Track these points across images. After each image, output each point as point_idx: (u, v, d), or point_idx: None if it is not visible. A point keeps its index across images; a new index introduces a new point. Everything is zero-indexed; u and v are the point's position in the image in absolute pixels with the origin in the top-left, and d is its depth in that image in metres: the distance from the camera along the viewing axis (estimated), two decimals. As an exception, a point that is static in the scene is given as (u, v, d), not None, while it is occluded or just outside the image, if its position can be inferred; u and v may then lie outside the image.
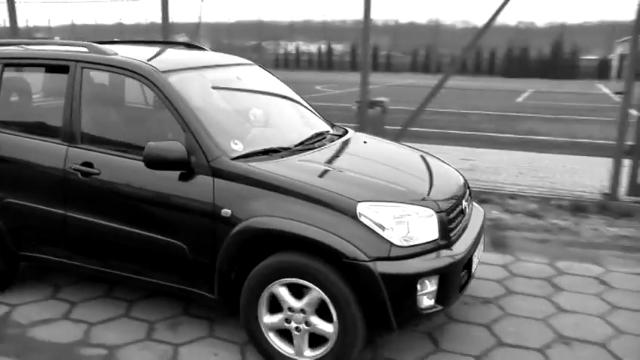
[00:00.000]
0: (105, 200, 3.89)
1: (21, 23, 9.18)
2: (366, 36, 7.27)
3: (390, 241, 3.22)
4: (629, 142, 6.56)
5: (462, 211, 3.84)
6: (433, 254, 3.35)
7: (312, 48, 36.76)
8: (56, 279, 4.72)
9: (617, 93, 7.63)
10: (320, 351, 3.36)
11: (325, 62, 35.50)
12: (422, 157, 4.48)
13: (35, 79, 4.59)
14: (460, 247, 3.54)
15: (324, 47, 36.20)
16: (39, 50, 4.38)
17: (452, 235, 3.55)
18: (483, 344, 3.84)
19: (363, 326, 3.27)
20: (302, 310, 3.36)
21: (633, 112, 6.60)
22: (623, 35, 28.39)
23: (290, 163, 3.65)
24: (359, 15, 7.18)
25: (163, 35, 8.27)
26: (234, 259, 3.48)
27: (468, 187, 4.21)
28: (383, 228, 3.23)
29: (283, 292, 3.39)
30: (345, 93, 12.47)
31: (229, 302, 3.62)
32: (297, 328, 3.40)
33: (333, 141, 4.22)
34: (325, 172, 3.63)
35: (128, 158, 3.79)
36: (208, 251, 3.53)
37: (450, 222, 3.56)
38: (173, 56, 4.54)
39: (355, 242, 3.18)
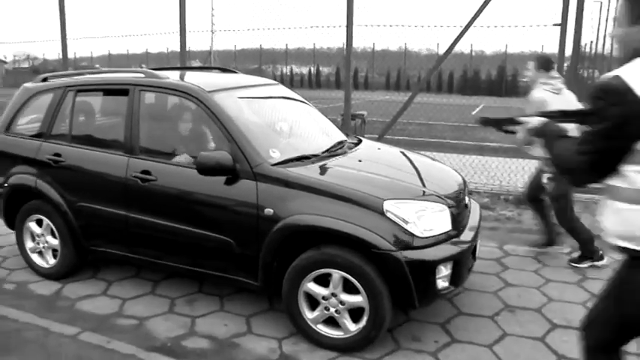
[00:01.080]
0: (160, 202, 3.74)
1: (69, 55, 9.15)
2: (348, 61, 7.29)
3: (412, 233, 3.10)
4: None
5: (466, 205, 3.73)
6: (447, 243, 3.25)
7: (304, 70, 36.96)
8: (96, 263, 4.64)
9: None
10: (362, 322, 3.20)
11: (314, 82, 35.91)
12: (427, 160, 4.36)
13: (99, 101, 4.46)
14: (467, 236, 3.45)
15: (313, 69, 36.39)
16: (103, 77, 4.31)
17: (460, 226, 3.46)
18: (447, 314, 3.82)
19: (389, 299, 3.14)
20: (333, 295, 3.22)
21: None
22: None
23: (321, 167, 3.52)
24: (342, 43, 7.24)
25: (181, 61, 8.20)
26: (276, 252, 3.33)
27: (466, 185, 4.09)
28: (406, 222, 3.10)
29: (313, 287, 3.27)
30: (331, 107, 12.38)
31: (271, 288, 3.47)
32: (336, 311, 3.25)
33: (352, 148, 4.08)
34: (352, 174, 3.48)
35: (180, 166, 3.66)
36: (253, 245, 3.38)
37: (458, 215, 3.46)
38: (214, 78, 4.37)
39: (383, 235, 3.06)
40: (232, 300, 4.03)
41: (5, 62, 40.20)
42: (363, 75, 36.15)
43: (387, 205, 3.12)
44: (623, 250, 1.93)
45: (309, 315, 3.33)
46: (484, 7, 6.55)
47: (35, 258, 4.49)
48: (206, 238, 3.54)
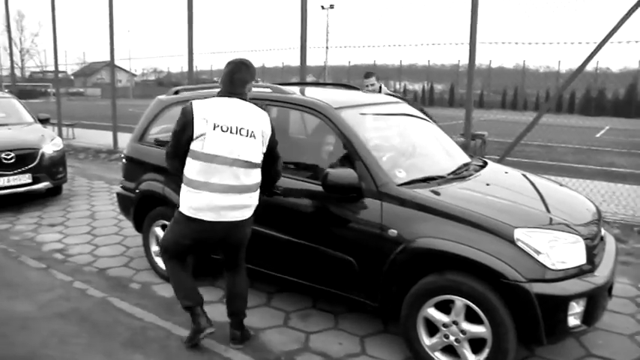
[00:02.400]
0: (281, 216, 3.81)
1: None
2: (470, 78, 7.20)
3: (544, 265, 2.92)
4: None
5: (602, 238, 3.46)
6: (581, 278, 3.02)
7: (417, 87, 36.67)
8: (214, 270, 4.69)
9: None
10: (483, 353, 3.05)
11: (427, 99, 35.53)
12: (557, 186, 4.12)
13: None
14: (604, 272, 3.19)
15: (426, 86, 35.98)
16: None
17: (595, 260, 3.21)
18: (574, 353, 3.56)
19: (514, 333, 2.96)
20: (454, 322, 3.10)
21: None
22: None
23: (448, 190, 3.43)
24: (457, 60, 7.14)
25: (300, 77, 8.40)
26: (398, 274, 3.27)
27: (600, 215, 3.80)
28: (538, 252, 2.93)
29: (434, 312, 3.17)
30: (445, 125, 12.11)
31: (389, 310, 3.41)
32: (456, 340, 3.13)
33: (477, 171, 3.95)
34: (480, 199, 3.36)
35: (303, 181, 3.72)
36: (373, 265, 3.33)
37: (593, 248, 3.22)
38: (339, 95, 4.41)
39: (513, 264, 2.91)
40: (346, 318, 4.01)
41: (135, 76, 43.69)
42: (477, 93, 35.26)
43: (518, 234, 2.97)
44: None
45: (427, 341, 3.23)
46: (623, 23, 6.14)
47: (159, 261, 4.70)
48: (326, 254, 3.55)
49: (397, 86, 34.21)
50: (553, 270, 2.93)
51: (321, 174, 3.48)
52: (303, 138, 4.11)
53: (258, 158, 3.27)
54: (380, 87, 6.51)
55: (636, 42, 6.91)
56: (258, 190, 3.38)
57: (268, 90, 4.03)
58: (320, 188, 3.44)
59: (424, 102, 35.17)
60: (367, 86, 6.40)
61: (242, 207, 3.29)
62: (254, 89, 4.25)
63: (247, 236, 3.49)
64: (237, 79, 3.30)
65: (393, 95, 6.28)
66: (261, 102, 3.96)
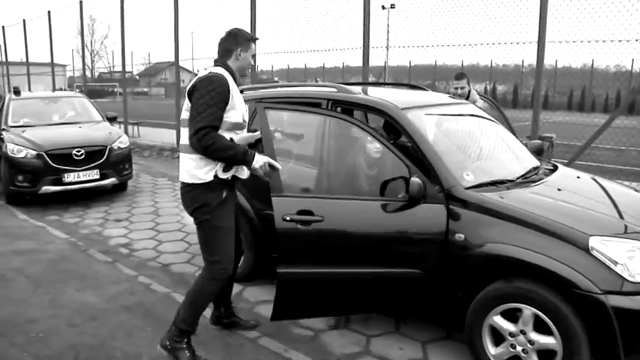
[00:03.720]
0: (334, 248, 3.38)
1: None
2: (539, 79, 7.00)
3: (622, 276, 2.76)
4: None
5: (685, 249, 3.24)
6: (662, 292, 2.82)
7: (479, 87, 35.87)
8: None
9: None
10: None
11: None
12: (632, 192, 3.91)
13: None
14: (689, 286, 2.96)
15: (489, 87, 35.12)
16: (295, 90, 4.45)
17: (678, 273, 2.99)
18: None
19: (587, 347, 2.81)
20: (522, 332, 2.98)
21: None
22: None
23: (518, 194, 3.30)
24: (519, 60, 6.98)
25: (363, 77, 8.35)
26: (464, 280, 3.18)
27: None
28: (615, 263, 2.77)
29: (500, 321, 3.05)
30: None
31: (455, 318, 3.32)
32: (523, 350, 3.00)
33: (547, 175, 3.80)
34: (552, 204, 3.23)
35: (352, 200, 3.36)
36: (441, 274, 3.23)
37: (675, 259, 3.00)
38: (405, 95, 4.33)
39: (587, 274, 2.76)
40: (408, 323, 3.93)
41: (196, 74, 44.72)
42: (542, 94, 34.12)
43: (593, 242, 2.82)
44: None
45: (492, 351, 3.12)
46: None
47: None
48: (392, 275, 3.29)
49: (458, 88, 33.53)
50: (632, 282, 2.75)
51: (376, 186, 3.29)
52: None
53: None
54: (469, 92, 5.92)
55: None
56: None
57: (334, 89, 4.00)
58: (375, 202, 3.24)
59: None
60: (456, 89, 5.90)
61: None
62: (318, 89, 4.24)
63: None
64: (222, 48, 3.33)
65: (485, 98, 6.07)
66: (327, 102, 3.94)
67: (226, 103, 3.13)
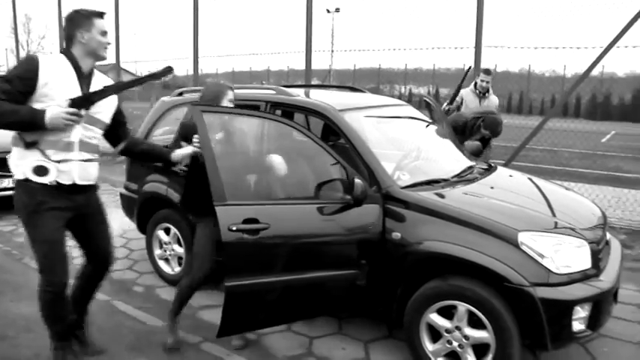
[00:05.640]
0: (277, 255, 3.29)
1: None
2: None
3: (548, 269, 2.90)
4: None
5: (607, 242, 3.44)
6: (586, 282, 2.99)
7: (422, 90, 36.51)
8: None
9: None
10: (487, 359, 3.02)
11: (433, 103, 35.61)
12: (562, 190, 4.09)
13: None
14: (610, 276, 3.17)
15: (432, 90, 35.91)
16: (235, 93, 4.33)
17: (601, 264, 3.19)
18: (580, 360, 3.50)
19: (518, 338, 2.93)
20: (457, 328, 3.08)
21: None
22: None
23: (452, 193, 3.40)
24: (461, 64, 7.27)
25: (306, 79, 8.37)
26: (401, 279, 3.25)
27: (606, 219, 3.77)
28: (542, 256, 2.91)
29: (437, 318, 3.14)
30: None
31: (394, 316, 3.37)
32: (459, 346, 3.10)
33: (482, 174, 3.92)
34: (484, 202, 3.34)
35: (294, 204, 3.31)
36: (379, 272, 3.28)
37: (598, 252, 3.20)
38: (344, 97, 4.39)
39: (517, 268, 2.88)
40: (350, 323, 3.97)
41: (140, 78, 43.63)
42: (483, 97, 35.24)
43: (523, 237, 2.94)
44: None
45: (430, 347, 3.21)
46: (630, 27, 6.13)
47: (162, 264, 4.73)
48: (332, 277, 3.27)
49: (402, 90, 34.13)
50: (558, 274, 2.90)
51: (314, 189, 3.24)
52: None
53: None
54: (488, 89, 6.58)
55: (634, 47, 6.88)
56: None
57: (272, 92, 4.01)
58: (318, 205, 3.19)
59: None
60: (482, 81, 6.51)
61: None
62: (257, 91, 4.23)
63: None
64: (65, 37, 2.99)
65: (428, 99, 6.15)
66: (265, 104, 3.95)
67: (27, 85, 2.77)
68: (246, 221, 2.99)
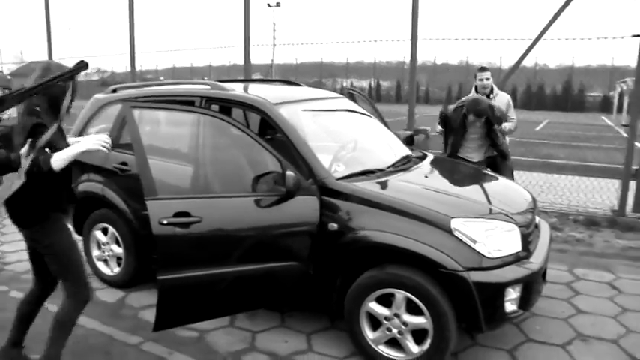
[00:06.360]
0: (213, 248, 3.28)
1: (136, 68, 9.55)
2: (413, 75, 7.30)
3: (481, 253, 2.98)
4: (635, 167, 6.43)
5: (536, 225, 3.57)
6: (517, 264, 3.10)
7: (364, 84, 36.96)
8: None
9: (623, 125, 7.78)
10: (426, 344, 3.08)
11: (375, 95, 36.02)
12: (494, 177, 4.20)
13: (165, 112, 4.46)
14: (538, 258, 3.29)
15: (373, 83, 36.38)
16: (169, 89, 4.31)
17: (530, 247, 3.31)
18: (514, 339, 3.65)
19: (454, 321, 3.02)
20: (396, 315, 3.13)
21: (637, 144, 6.52)
22: (620, 77, 28.06)
23: (387, 182, 3.44)
24: (402, 57, 7.29)
25: (245, 74, 8.29)
26: (339, 269, 3.27)
27: (536, 204, 3.91)
28: (475, 241, 2.98)
29: (376, 306, 3.18)
30: (392, 121, 12.31)
31: (335, 307, 3.40)
32: (399, 332, 3.15)
33: (417, 163, 3.98)
34: (418, 191, 3.39)
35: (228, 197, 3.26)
36: (314, 263, 3.28)
37: (528, 235, 3.31)
38: (279, 91, 4.37)
39: (451, 254, 2.95)
40: (293, 316, 3.98)
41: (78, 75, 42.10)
42: (423, 89, 35.95)
43: (455, 224, 3.01)
44: None
45: (370, 335, 3.25)
46: (554, 20, 6.37)
47: (100, 265, 4.60)
48: (270, 270, 3.25)
49: (345, 83, 34.47)
50: (490, 258, 2.99)
51: (250, 182, 3.23)
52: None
53: None
54: (492, 87, 5.64)
55: (566, 39, 7.16)
56: None
57: (207, 87, 3.95)
58: (251, 198, 3.17)
59: (371, 99, 35.56)
60: (482, 80, 5.61)
61: None
62: (192, 87, 4.15)
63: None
64: None
65: (357, 92, 6.02)
66: (200, 99, 3.88)
67: None
68: (178, 215, 2.98)
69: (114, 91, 4.73)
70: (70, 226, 3.47)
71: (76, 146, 2.73)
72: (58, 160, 2.63)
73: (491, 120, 5.13)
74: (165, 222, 2.95)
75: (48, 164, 2.59)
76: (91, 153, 2.78)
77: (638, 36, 6.02)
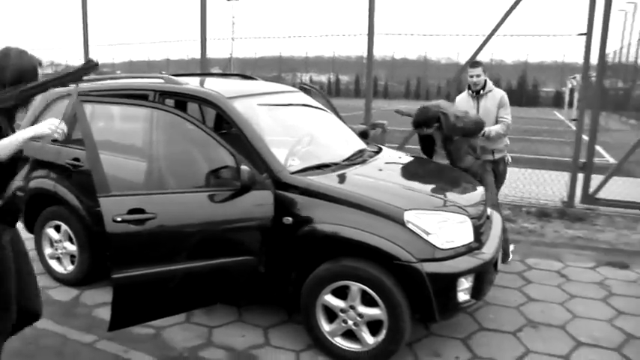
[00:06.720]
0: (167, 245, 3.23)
1: None
2: (369, 70, 7.31)
3: (433, 245, 3.02)
4: (582, 160, 6.63)
5: (488, 217, 3.65)
6: (469, 255, 3.17)
7: (323, 78, 37.05)
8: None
9: (572, 120, 8.00)
10: (381, 335, 3.12)
11: (334, 90, 36.16)
12: (448, 169, 4.28)
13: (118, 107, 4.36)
14: (490, 249, 3.36)
15: (332, 78, 36.50)
16: (122, 83, 4.22)
17: (482, 238, 3.38)
18: (468, 328, 3.73)
19: (409, 312, 3.06)
20: (351, 307, 3.16)
21: (585, 137, 6.69)
22: (571, 73, 29.04)
23: (341, 176, 3.45)
24: (362, 52, 7.30)
25: (202, 68, 8.20)
26: (295, 263, 3.28)
27: (487, 195, 4.01)
28: (427, 233, 3.03)
29: (331, 299, 3.20)
30: (350, 116, 12.38)
31: (292, 301, 3.41)
32: (354, 324, 3.18)
33: (372, 157, 4.01)
34: (372, 183, 3.41)
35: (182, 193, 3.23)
36: (270, 257, 3.28)
37: (479, 226, 3.39)
38: (233, 85, 4.33)
39: (405, 246, 2.99)
40: (250, 310, 3.97)
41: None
42: (382, 84, 36.31)
43: (408, 216, 3.05)
44: None
45: (326, 328, 3.27)
46: (507, 16, 6.51)
47: (53, 264, 4.49)
48: (226, 264, 3.21)
49: (304, 78, 34.48)
50: (442, 249, 3.04)
51: (204, 177, 3.22)
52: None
53: None
54: (485, 81, 4.94)
55: (518, 36, 7.32)
56: None
57: (160, 80, 3.88)
58: (206, 193, 3.15)
59: (330, 93, 35.67)
60: (472, 77, 4.91)
61: None
62: (145, 80, 4.08)
63: None
64: None
65: (310, 87, 5.93)
66: (153, 93, 3.81)
67: None
68: (132, 211, 2.92)
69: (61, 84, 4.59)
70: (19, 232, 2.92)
71: (24, 131, 2.38)
72: (3, 148, 2.27)
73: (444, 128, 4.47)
74: (118, 219, 2.88)
75: None
76: (43, 139, 2.48)
77: (584, 34, 6.20)
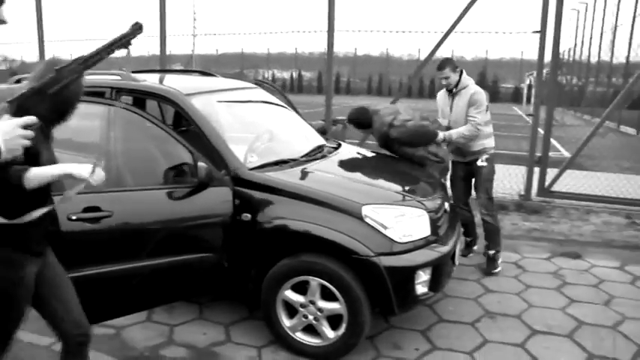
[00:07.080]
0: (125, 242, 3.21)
1: (47, 57, 9.06)
2: (330, 66, 7.34)
3: (391, 239, 3.06)
4: (538, 154, 6.77)
5: (445, 210, 3.71)
6: (426, 248, 3.21)
7: (286, 75, 36.92)
8: None
9: (528, 115, 8.12)
10: (341, 329, 3.14)
11: (296, 86, 36.08)
12: (406, 164, 4.32)
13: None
14: (447, 242, 3.43)
15: (295, 74, 36.42)
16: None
17: (439, 231, 3.43)
18: (428, 321, 3.79)
19: (368, 306, 3.09)
20: (311, 302, 3.17)
21: (540, 130, 6.83)
22: (529, 70, 29.69)
23: (299, 172, 3.46)
24: (324, 48, 7.26)
25: (161, 65, 8.09)
26: (254, 259, 3.27)
27: (446, 189, 4.07)
28: (385, 227, 3.06)
29: (291, 294, 3.21)
30: (313, 112, 12.40)
31: (252, 297, 3.40)
32: (315, 319, 3.19)
33: (331, 152, 4.03)
34: (330, 179, 3.43)
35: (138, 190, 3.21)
36: (233, 254, 3.26)
37: (437, 220, 3.44)
38: (192, 82, 4.27)
39: (363, 241, 3.01)
40: (211, 307, 3.95)
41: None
42: (345, 80, 36.47)
43: (366, 210, 3.07)
44: None
45: (287, 323, 3.28)
46: (465, 14, 6.63)
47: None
48: (186, 261, 3.20)
49: (266, 74, 34.33)
50: (400, 243, 3.07)
51: (162, 174, 3.15)
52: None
53: None
54: (458, 81, 4.64)
55: (476, 32, 7.43)
56: None
57: (118, 77, 3.81)
58: (163, 191, 3.13)
59: (293, 90, 35.59)
60: (442, 79, 4.68)
61: None
62: (102, 77, 4.00)
63: None
64: None
65: (265, 83, 5.90)
66: (110, 90, 3.73)
67: None
68: (87, 210, 2.88)
69: (18, 82, 4.47)
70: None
71: (63, 166, 2.05)
72: (33, 178, 1.95)
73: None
74: (74, 217, 2.87)
75: (19, 179, 1.92)
76: (76, 185, 2.08)
77: (538, 32, 6.35)
